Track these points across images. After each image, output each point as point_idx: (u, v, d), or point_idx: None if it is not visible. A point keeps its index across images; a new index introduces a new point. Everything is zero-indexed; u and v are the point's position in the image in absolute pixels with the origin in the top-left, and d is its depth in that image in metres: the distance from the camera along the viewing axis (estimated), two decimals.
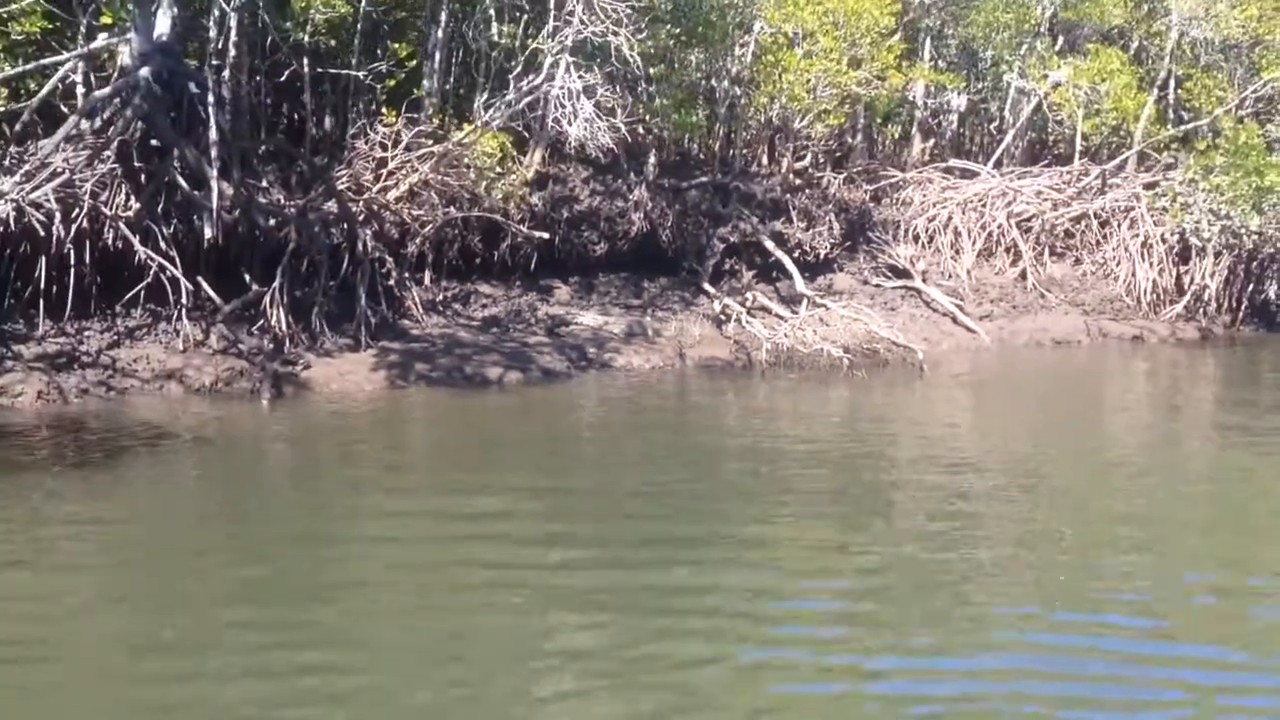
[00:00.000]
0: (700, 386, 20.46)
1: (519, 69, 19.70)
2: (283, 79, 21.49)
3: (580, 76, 17.94)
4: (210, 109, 18.10)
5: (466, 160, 20.32)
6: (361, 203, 20.62)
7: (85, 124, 18.54)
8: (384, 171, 20.71)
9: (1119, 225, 28.34)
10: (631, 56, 17.74)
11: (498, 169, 20.46)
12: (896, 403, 19.85)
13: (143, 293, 18.63)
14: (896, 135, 31.03)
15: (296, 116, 22.17)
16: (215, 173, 18.21)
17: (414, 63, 20.72)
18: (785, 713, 8.33)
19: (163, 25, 18.08)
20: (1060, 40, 31.35)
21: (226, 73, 19.45)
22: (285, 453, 15.80)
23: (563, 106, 18.06)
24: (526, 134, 21.77)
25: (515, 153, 20.80)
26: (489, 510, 12.73)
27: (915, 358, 21.57)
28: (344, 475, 14.50)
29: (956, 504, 13.12)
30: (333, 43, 21.37)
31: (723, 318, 22.73)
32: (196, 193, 18.49)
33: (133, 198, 18.61)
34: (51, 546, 11.26)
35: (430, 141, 20.80)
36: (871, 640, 9.39)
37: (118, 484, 13.36)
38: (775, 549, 11.69)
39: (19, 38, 18.70)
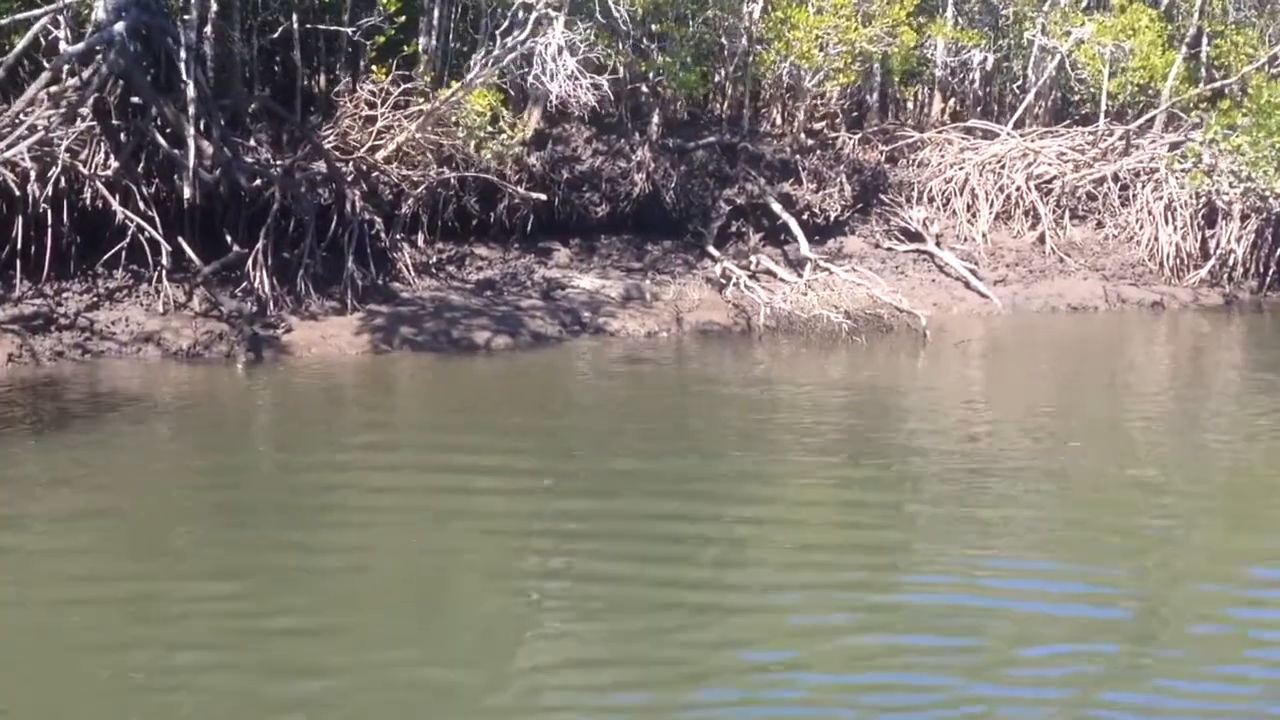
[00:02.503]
0: (693, 352, 19.92)
1: (506, 24, 19.03)
2: (276, 35, 20.96)
3: (563, 32, 17.22)
4: (187, 65, 17.55)
5: (455, 119, 19.64)
6: (350, 162, 20.07)
7: (70, 81, 18.10)
8: (373, 130, 20.13)
9: (1142, 187, 27.36)
10: (618, 11, 17.01)
11: (489, 128, 19.81)
12: (891, 369, 19.22)
13: (124, 254, 18.27)
14: (915, 95, 30.04)
15: (285, 73, 21.58)
16: (193, 130, 17.70)
17: (403, 18, 20.02)
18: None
19: None
20: None
21: (209, 28, 18.87)
22: (245, 416, 15.39)
23: (544, 63, 17.37)
24: (513, 92, 21.09)
25: (506, 112, 20.14)
26: (452, 476, 12.26)
27: (918, 323, 20.85)
28: (302, 439, 14.14)
29: (945, 474, 12.53)
30: None
31: (723, 281, 22.06)
32: (176, 151, 18.00)
33: (111, 156, 18.19)
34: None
35: (422, 100, 20.18)
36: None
37: (64, 448, 12.94)
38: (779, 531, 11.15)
39: None
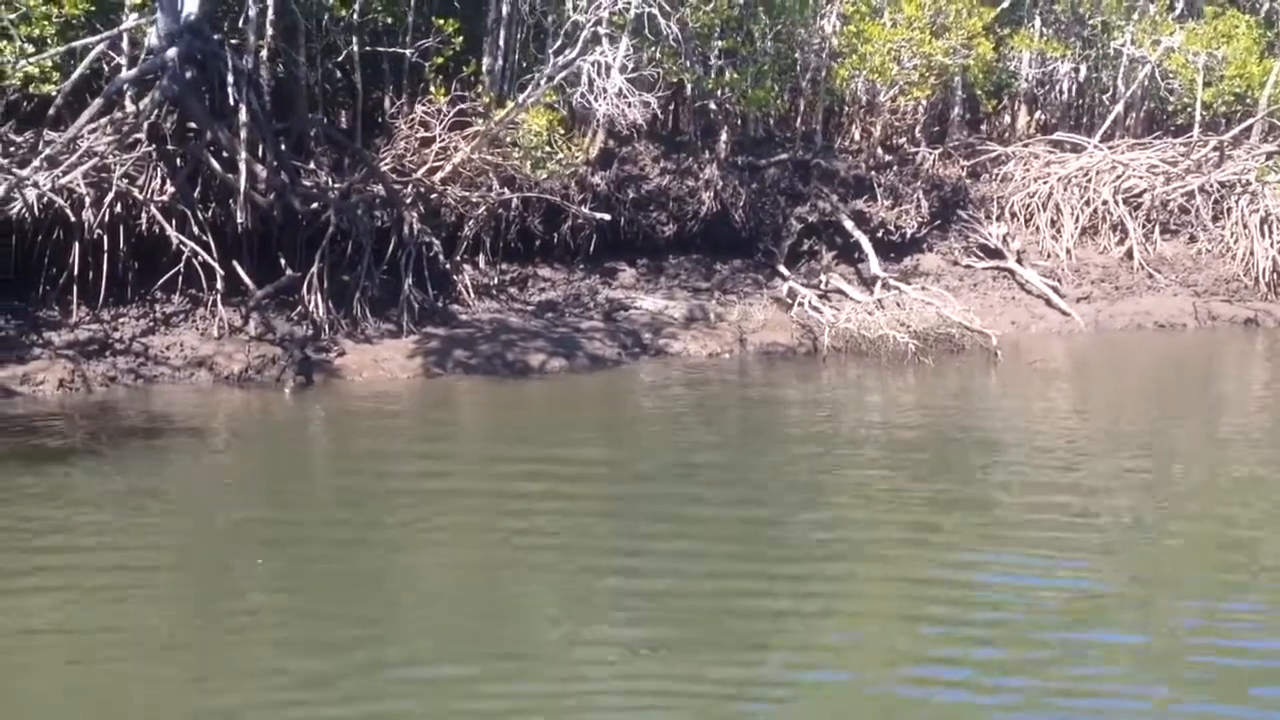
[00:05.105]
0: (756, 374, 19.38)
1: (558, 43, 18.62)
2: (340, 58, 20.80)
3: (609, 49, 16.71)
4: (239, 89, 17.43)
5: (511, 139, 19.27)
6: (409, 185, 19.82)
7: (130, 108, 18.11)
8: (430, 151, 19.86)
9: (1237, 200, 26.10)
10: (670, 28, 16.46)
11: (546, 148, 19.42)
12: (962, 393, 18.43)
13: (179, 279, 18.16)
14: (994, 106, 29.06)
15: (348, 97, 21.41)
16: (245, 155, 17.58)
17: (460, 38, 19.71)
18: None
19: (191, 4, 17.42)
20: (1180, 3, 29.06)
21: (264, 53, 18.74)
22: (286, 442, 15.09)
23: (590, 81, 16.89)
24: (567, 111, 20.67)
25: (562, 130, 19.74)
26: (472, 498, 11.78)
27: (990, 343, 19.98)
28: (342, 465, 13.89)
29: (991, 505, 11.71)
30: (388, 20, 20.55)
31: (789, 301, 21.45)
32: (230, 176, 17.89)
33: (167, 181, 18.13)
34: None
35: (479, 120, 19.86)
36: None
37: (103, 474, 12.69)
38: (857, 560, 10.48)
39: (58, 21, 18.19)
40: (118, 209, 17.84)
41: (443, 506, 12.04)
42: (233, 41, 17.77)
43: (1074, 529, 11.26)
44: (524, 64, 21.94)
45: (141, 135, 17.80)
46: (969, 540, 10.94)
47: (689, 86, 23.11)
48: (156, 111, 17.67)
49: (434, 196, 20.09)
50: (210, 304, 17.99)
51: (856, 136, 26.71)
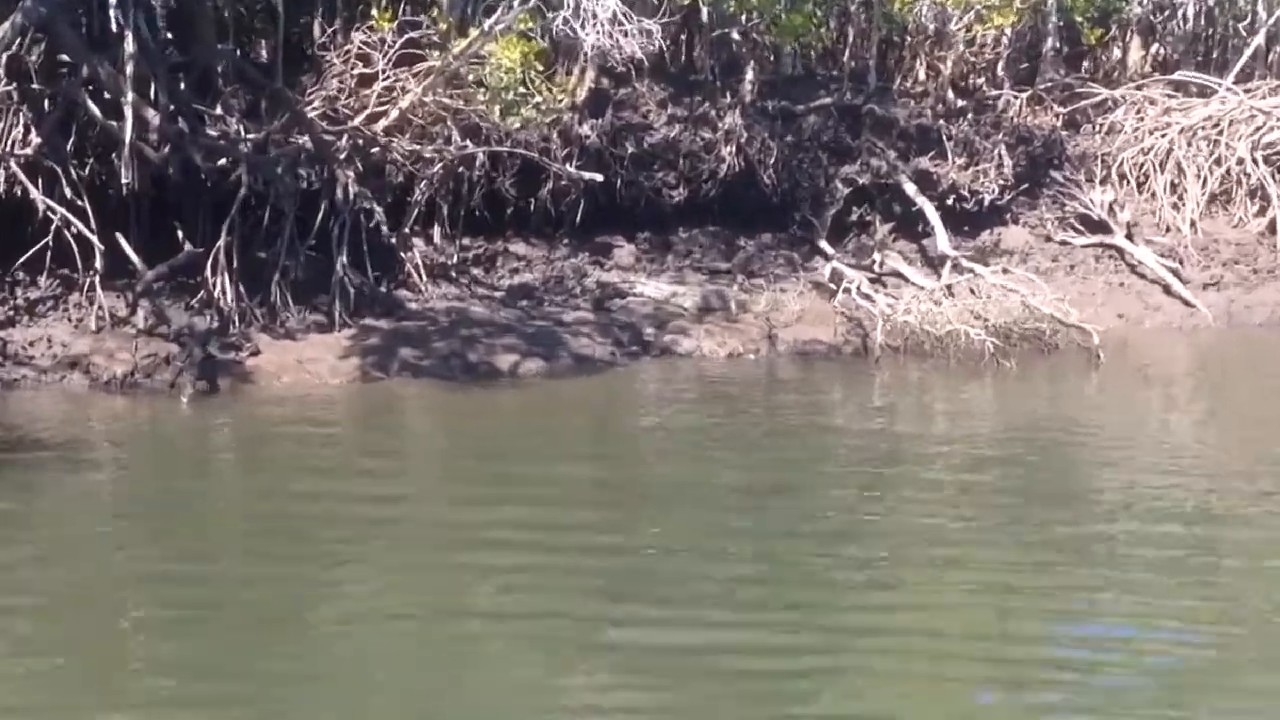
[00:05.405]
0: (788, 380, 19.37)
1: None
2: None
3: None
4: (124, 12, 17.41)
5: (475, 77, 19.20)
6: (344, 135, 19.70)
7: None
8: (370, 93, 19.72)
9: None
10: None
11: (520, 89, 19.34)
12: (1050, 405, 18.33)
13: (48, 256, 18.07)
14: (1098, 38, 29.00)
15: (263, 22, 21.41)
16: (131, 96, 17.48)
17: None
18: None
19: None
20: None
21: None
22: (181, 465, 14.85)
23: (578, 3, 16.82)
24: (547, 42, 20.60)
25: (541, 67, 19.65)
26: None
27: (1090, 342, 19.91)
28: (253, 496, 13.77)
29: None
30: None
31: (833, 286, 21.39)
32: (113, 123, 17.80)
33: (32, 131, 18.03)
34: None
35: (434, 54, 19.76)
36: None
37: None
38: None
39: None
40: None
41: (378, 550, 11.89)
42: None
43: (1199, 586, 11.11)
44: None
45: None
46: (1069, 597, 10.85)
47: (704, 10, 22.98)
48: (18, 40, 17.51)
49: (376, 150, 19.95)
50: (87, 288, 17.92)
51: (921, 76, 26.63)
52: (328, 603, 10.68)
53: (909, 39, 26.69)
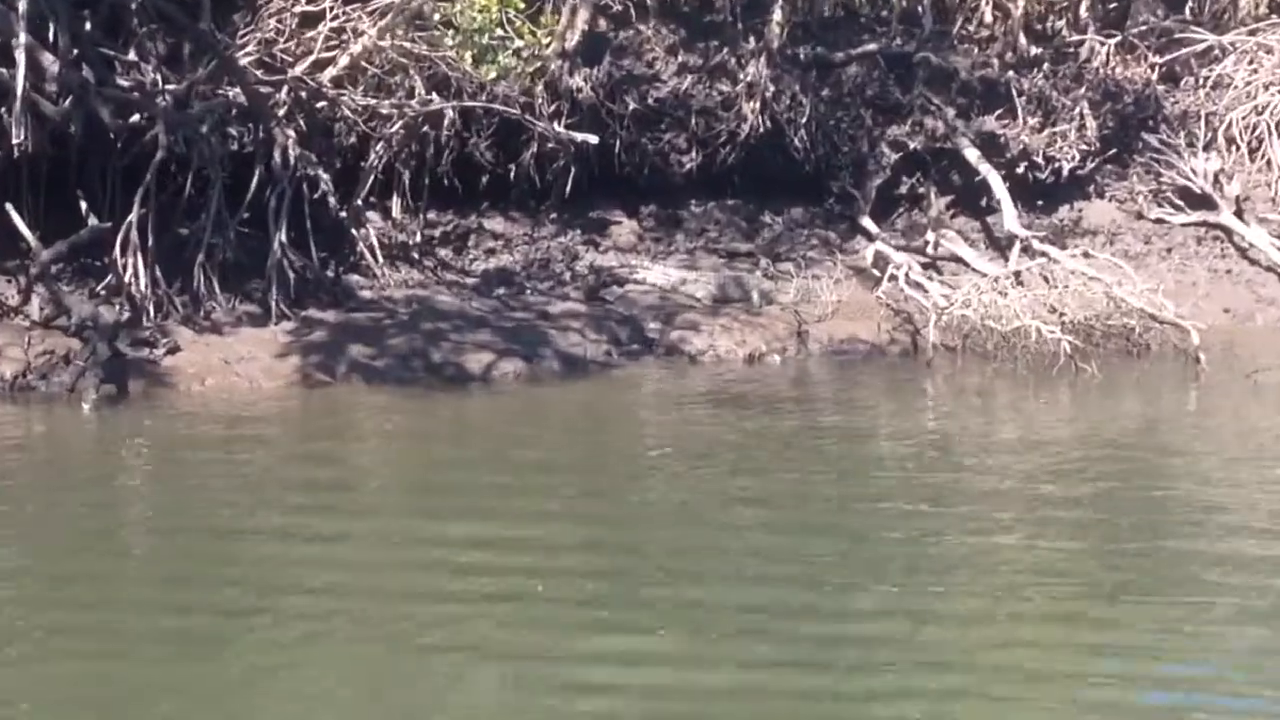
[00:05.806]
0: (823, 386, 19.77)
1: None
2: None
3: None
4: None
5: (442, 17, 19.32)
6: (284, 87, 19.85)
7: None
8: (315, 36, 19.80)
9: None
10: None
11: (497, 32, 19.44)
12: (1142, 418, 18.58)
13: None
14: None
15: None
16: (25, 38, 17.53)
17: None
18: None
19: None
20: None
21: None
22: (82, 485, 14.89)
23: None
24: None
25: (522, 5, 19.74)
26: None
27: (1189, 341, 20.07)
28: (169, 525, 13.64)
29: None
30: None
31: (876, 273, 21.55)
32: (3, 71, 17.90)
33: None
34: None
35: None
36: None
37: None
38: None
39: None
40: None
41: (318, 592, 11.76)
42: None
43: None
44: None
45: None
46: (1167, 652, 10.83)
47: None
48: None
49: (322, 106, 20.20)
50: None
51: (987, 18, 26.61)
52: (246, 654, 10.58)
53: None
